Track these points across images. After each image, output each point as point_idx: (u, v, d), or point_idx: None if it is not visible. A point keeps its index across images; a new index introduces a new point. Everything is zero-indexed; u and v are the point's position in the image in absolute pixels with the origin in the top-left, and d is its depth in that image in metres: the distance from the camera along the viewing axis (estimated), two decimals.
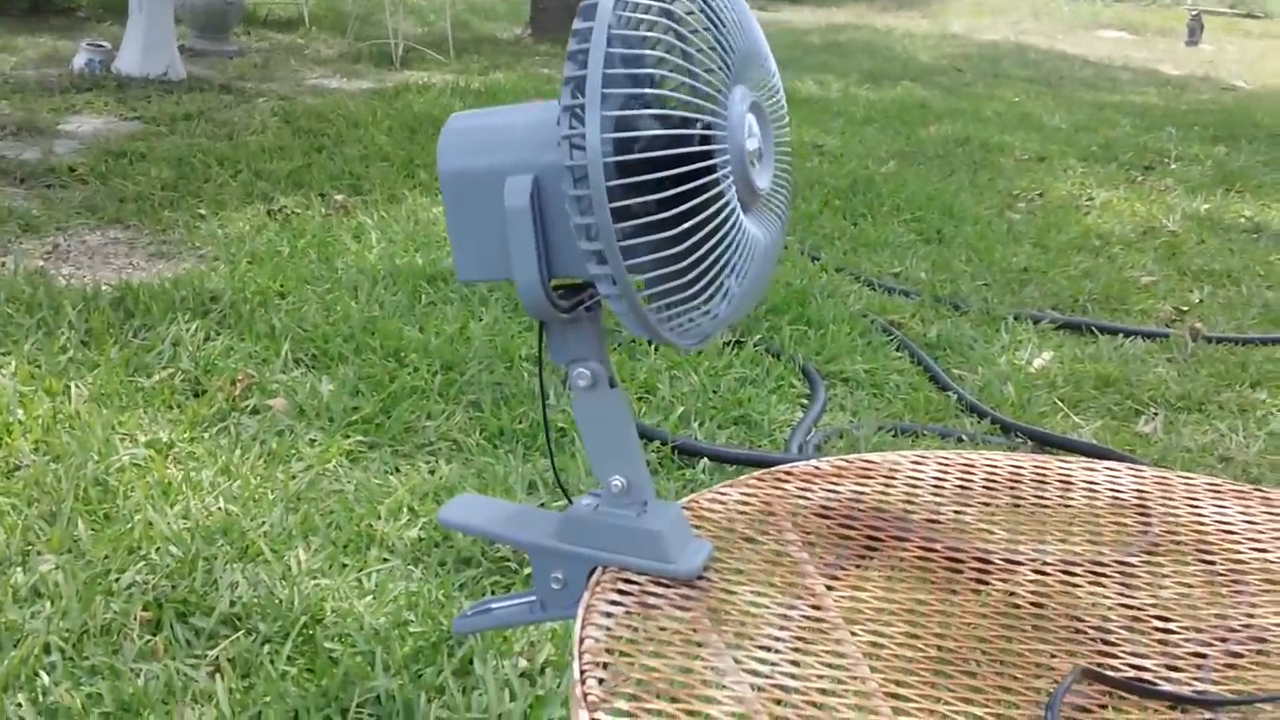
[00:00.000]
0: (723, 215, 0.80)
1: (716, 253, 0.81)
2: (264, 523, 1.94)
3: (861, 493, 1.07)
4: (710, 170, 0.80)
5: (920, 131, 6.21)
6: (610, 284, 0.80)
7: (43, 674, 1.54)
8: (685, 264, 0.80)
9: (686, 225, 0.79)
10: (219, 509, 1.97)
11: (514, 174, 0.85)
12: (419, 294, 3.10)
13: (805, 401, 2.64)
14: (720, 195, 0.80)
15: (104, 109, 5.17)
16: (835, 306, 3.19)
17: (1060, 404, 2.73)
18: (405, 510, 2.02)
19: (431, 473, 2.18)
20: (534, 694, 1.58)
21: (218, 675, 1.57)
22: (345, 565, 1.86)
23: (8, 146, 4.43)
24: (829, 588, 0.91)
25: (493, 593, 1.82)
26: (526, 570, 1.86)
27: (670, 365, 2.71)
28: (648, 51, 0.80)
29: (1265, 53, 13.34)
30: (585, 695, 0.75)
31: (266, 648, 1.63)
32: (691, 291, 0.82)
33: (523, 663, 1.64)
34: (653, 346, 2.79)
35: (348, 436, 2.28)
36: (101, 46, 5.92)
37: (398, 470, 2.19)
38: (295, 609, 1.71)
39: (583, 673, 0.77)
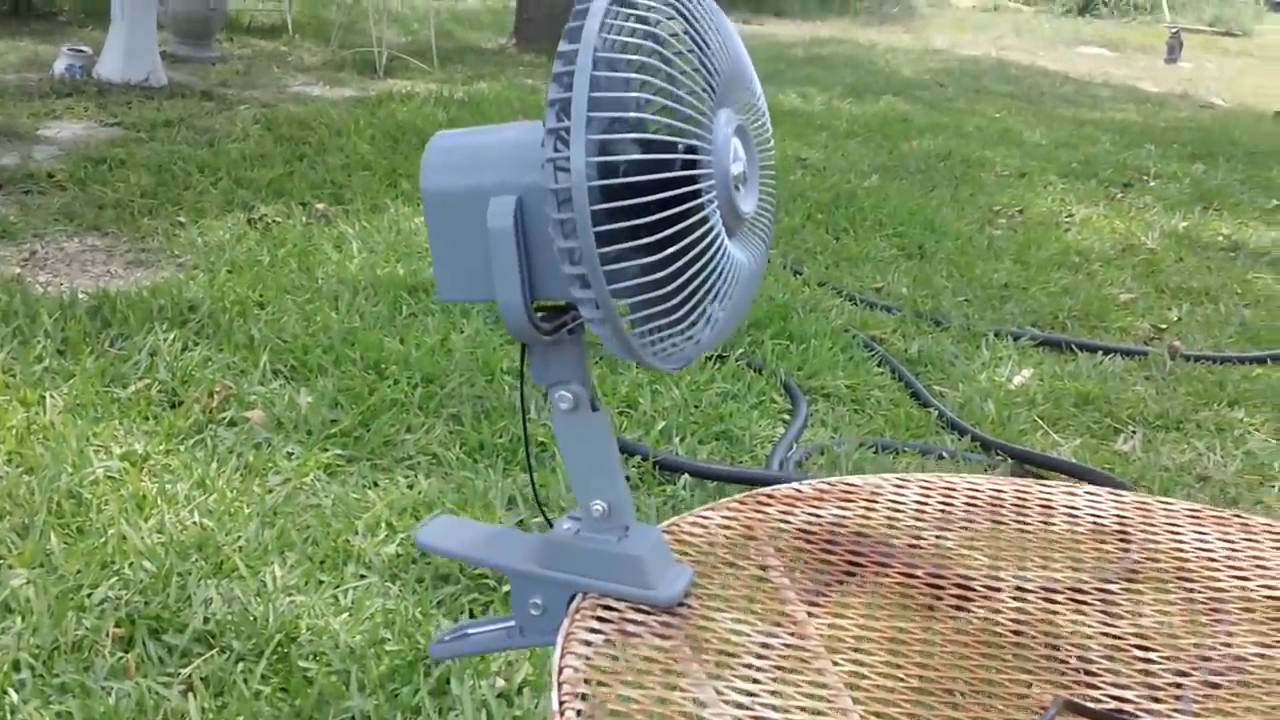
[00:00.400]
0: (707, 239, 0.80)
1: (700, 277, 0.80)
2: (239, 537, 1.92)
3: (843, 516, 1.06)
4: (695, 195, 0.79)
5: (902, 146, 6.23)
6: (593, 308, 0.79)
7: (11, 691, 1.52)
8: (669, 289, 0.80)
9: (671, 250, 0.78)
10: (194, 523, 1.95)
11: (498, 194, 0.84)
12: (400, 305, 3.09)
13: (787, 417, 2.64)
14: (705, 219, 0.79)
15: (84, 114, 5.14)
16: (817, 321, 3.19)
17: (1040, 421, 2.74)
18: (383, 526, 2.01)
19: (410, 487, 2.17)
20: (511, 715, 1.57)
21: (190, 694, 1.55)
22: (321, 582, 1.84)
23: None
24: (810, 614, 0.91)
25: (471, 611, 1.81)
26: (505, 588, 1.85)
27: (652, 380, 2.70)
28: (633, 75, 0.80)
29: (1243, 70, 13.46)
30: None
31: (240, 666, 1.61)
32: (675, 316, 0.81)
33: (500, 683, 1.63)
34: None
35: (326, 450, 2.26)
36: (82, 52, 5.88)
37: (376, 485, 2.17)
38: (270, 626, 1.69)
39: (561, 703, 0.76)
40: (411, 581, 1.86)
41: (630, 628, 0.86)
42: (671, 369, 0.86)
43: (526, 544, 0.93)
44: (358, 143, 4.96)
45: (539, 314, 0.86)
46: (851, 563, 0.99)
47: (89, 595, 1.72)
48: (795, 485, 1.11)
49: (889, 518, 1.07)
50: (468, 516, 2.06)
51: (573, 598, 0.90)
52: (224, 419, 2.34)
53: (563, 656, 0.81)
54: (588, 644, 0.83)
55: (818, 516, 1.06)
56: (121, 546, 1.84)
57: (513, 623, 0.93)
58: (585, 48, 0.76)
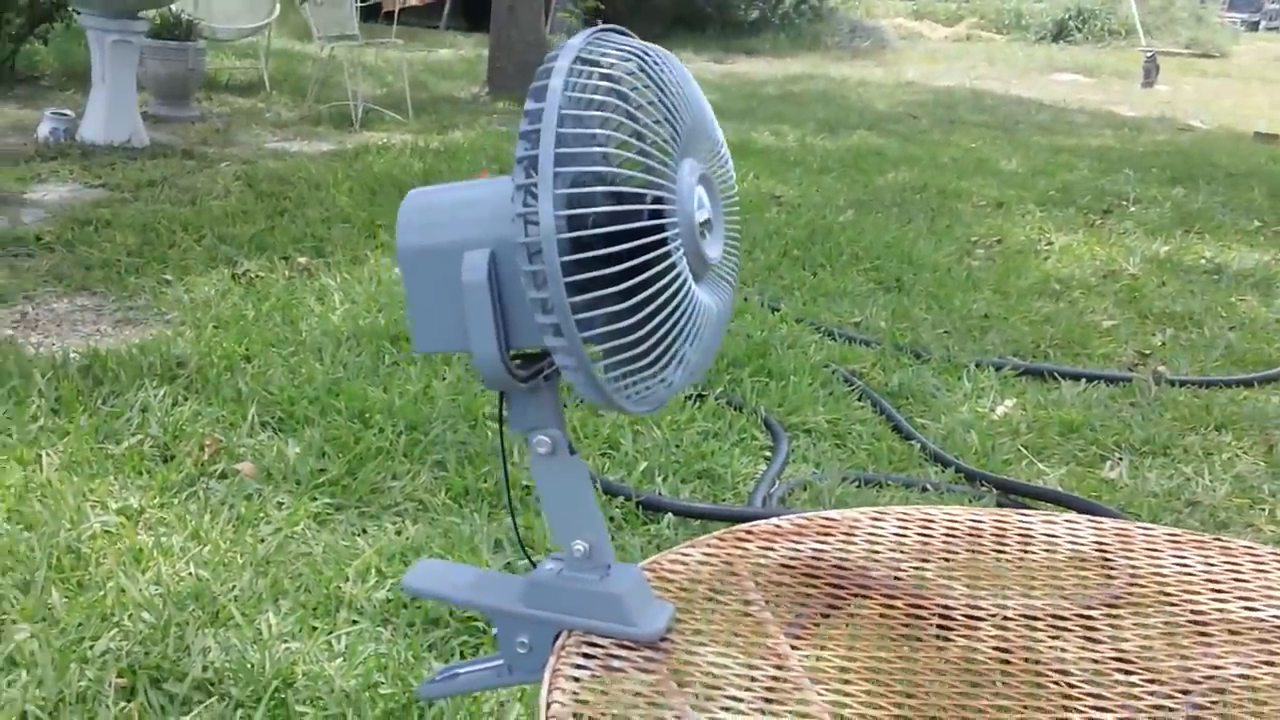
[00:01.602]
0: (675, 286, 0.83)
1: (670, 322, 0.83)
2: (234, 587, 1.94)
3: (823, 550, 1.09)
4: (662, 243, 0.82)
5: (877, 179, 6.29)
6: (567, 355, 0.82)
7: None
8: (640, 334, 0.82)
9: (640, 297, 0.81)
10: (190, 574, 1.97)
11: (471, 249, 0.87)
12: (382, 354, 3.11)
13: (768, 454, 2.66)
14: (672, 266, 0.82)
15: (69, 177, 5.18)
16: (796, 357, 3.22)
17: (1024, 451, 2.76)
18: (373, 572, 2.02)
19: (398, 534, 2.19)
20: None
21: None
22: (315, 628, 1.86)
23: None
24: (793, 647, 0.93)
25: (461, 653, 1.82)
26: (495, 630, 1.86)
27: (633, 421, 2.72)
28: (598, 130, 0.83)
29: (1220, 92, 13.61)
30: None
31: (239, 713, 1.63)
32: (646, 361, 0.84)
33: None
34: None
35: (315, 499, 2.28)
36: (65, 115, 5.93)
37: (365, 532, 2.19)
38: (267, 673, 1.70)
39: None
40: (403, 626, 1.88)
41: (614, 663, 0.88)
42: (644, 412, 0.88)
43: (511, 585, 0.96)
44: (336, 195, 5.01)
45: (515, 362, 0.89)
46: (832, 595, 1.01)
47: (91, 647, 1.74)
48: (775, 521, 1.14)
49: (868, 550, 1.09)
50: (455, 561, 2.07)
51: (557, 636, 0.92)
52: (215, 471, 2.36)
53: (550, 692, 0.84)
54: (574, 679, 0.86)
55: (798, 551, 1.08)
56: (121, 599, 1.86)
57: (500, 662, 0.95)
58: (550, 106, 0.79)
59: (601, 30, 0.87)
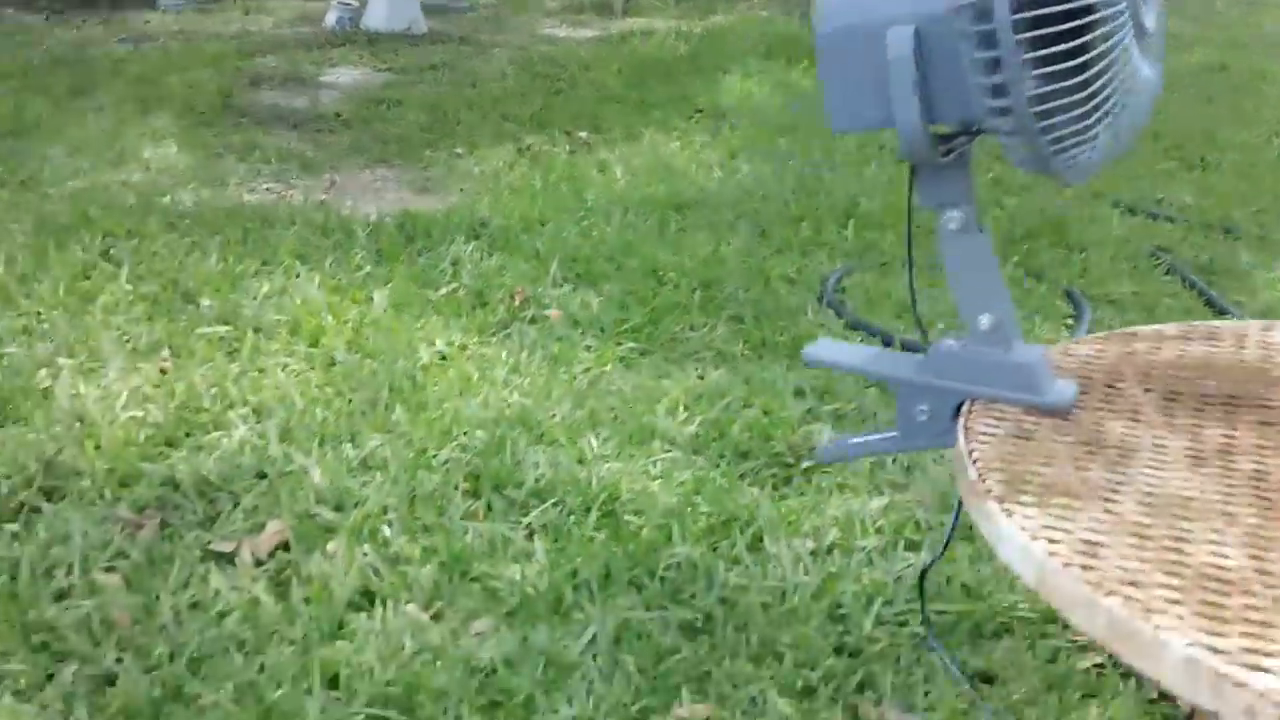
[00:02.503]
0: (1118, 48, 0.82)
1: (1111, 84, 0.83)
2: (555, 414, 2.06)
3: (1212, 353, 1.07)
4: (1107, 4, 0.82)
5: (1170, 59, 5.92)
6: (1007, 116, 0.83)
7: (384, 528, 1.69)
8: (1081, 95, 0.83)
9: (1084, 57, 0.82)
10: (514, 401, 2.10)
11: (895, 25, 0.89)
12: (668, 221, 3.18)
13: (1069, 323, 2.60)
14: (1116, 29, 0.82)
15: (358, 61, 5.46)
16: (1097, 230, 3.11)
17: None
18: (681, 409, 2.11)
19: (700, 378, 2.26)
20: (825, 570, 1.64)
21: (534, 538, 1.69)
22: (632, 455, 1.95)
23: (280, 95, 4.73)
24: (1199, 426, 0.92)
25: (774, 485, 1.89)
26: (804, 466, 1.92)
27: (930, 282, 2.70)
28: None
29: None
30: (989, 491, 0.80)
31: (572, 518, 1.75)
32: (1083, 125, 0.84)
33: (810, 544, 1.71)
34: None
35: (620, 344, 2.38)
36: (350, 4, 6.22)
37: (669, 375, 2.28)
38: (594, 487, 1.82)
39: (980, 475, 0.82)
40: (714, 456, 1.95)
41: (1027, 427, 0.91)
42: (1072, 180, 0.89)
43: (909, 360, 0.99)
44: (606, 77, 5.11)
45: None
46: (1231, 395, 1.00)
47: (434, 456, 1.89)
48: (1158, 327, 1.13)
49: (1262, 355, 1.07)
50: (758, 404, 2.13)
51: (958, 407, 0.95)
52: (525, 317, 2.50)
53: (969, 442, 0.87)
54: (989, 437, 0.88)
55: (1186, 352, 1.07)
56: (457, 418, 2.01)
57: (895, 434, 0.99)
58: None
59: None
